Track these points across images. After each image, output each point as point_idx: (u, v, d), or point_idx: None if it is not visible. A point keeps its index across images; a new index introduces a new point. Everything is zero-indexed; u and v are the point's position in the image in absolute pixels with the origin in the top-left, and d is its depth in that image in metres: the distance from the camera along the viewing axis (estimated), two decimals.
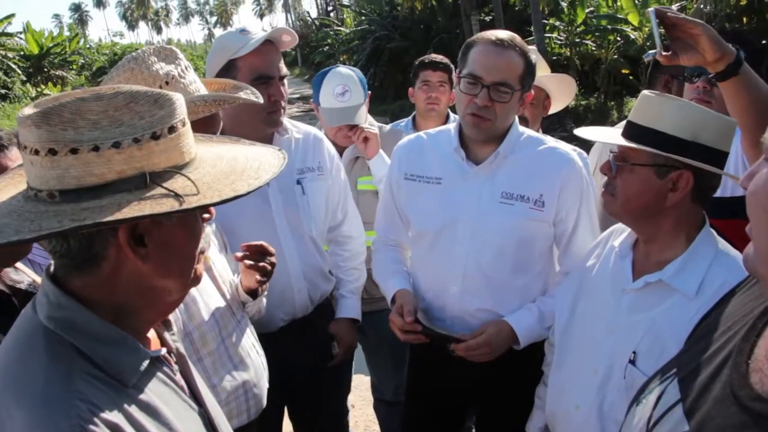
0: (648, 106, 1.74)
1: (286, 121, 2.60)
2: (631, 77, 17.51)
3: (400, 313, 2.21)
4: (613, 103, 17.68)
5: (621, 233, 1.98)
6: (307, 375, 2.60)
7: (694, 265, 1.70)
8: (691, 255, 1.72)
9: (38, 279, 1.79)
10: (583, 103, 17.12)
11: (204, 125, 1.82)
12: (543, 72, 3.07)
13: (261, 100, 2.03)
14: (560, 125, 14.00)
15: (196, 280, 1.20)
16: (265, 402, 2.08)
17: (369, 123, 3.42)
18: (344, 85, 3.07)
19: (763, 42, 13.33)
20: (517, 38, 2.19)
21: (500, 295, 2.26)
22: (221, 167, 1.14)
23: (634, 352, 1.72)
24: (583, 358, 1.91)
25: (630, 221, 1.85)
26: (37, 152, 1.00)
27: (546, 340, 2.26)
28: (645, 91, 1.79)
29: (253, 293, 2.13)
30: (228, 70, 2.38)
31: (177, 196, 1.02)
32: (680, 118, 1.67)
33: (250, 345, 2.07)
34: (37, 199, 1.03)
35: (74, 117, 0.99)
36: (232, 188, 1.07)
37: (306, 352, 2.54)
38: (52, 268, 1.13)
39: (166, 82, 1.78)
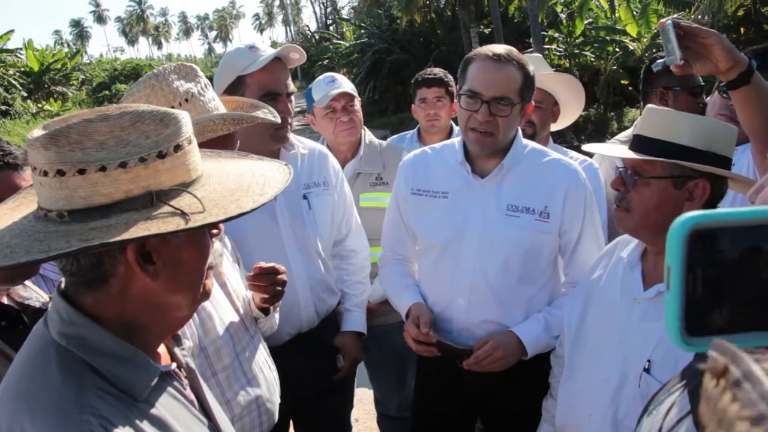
0: (659, 120, 1.76)
1: (292, 136, 2.62)
2: (630, 88, 17.58)
3: (416, 324, 2.23)
4: (612, 114, 17.74)
5: (627, 244, 1.99)
6: (312, 388, 2.60)
7: None
8: None
9: (46, 296, 1.80)
10: (582, 114, 17.14)
11: (222, 143, 1.82)
12: (544, 70, 3.06)
13: (278, 120, 2.05)
14: (560, 137, 14.01)
15: (206, 295, 1.21)
16: (276, 417, 2.08)
17: (368, 139, 3.45)
18: (332, 75, 3.28)
19: None
20: (514, 51, 2.21)
21: (507, 306, 2.27)
22: (227, 184, 1.15)
23: (648, 361, 1.72)
24: (594, 368, 1.91)
25: (647, 235, 1.84)
26: (46, 173, 1.01)
27: (552, 352, 2.26)
28: (652, 106, 1.81)
29: (266, 309, 2.13)
30: (236, 86, 2.40)
31: (183, 214, 1.03)
32: (695, 130, 1.70)
33: (263, 360, 2.07)
34: (47, 219, 1.04)
35: (81, 138, 1.00)
36: (238, 205, 1.08)
37: (312, 365, 2.54)
38: (63, 285, 1.13)
39: (186, 100, 1.79)
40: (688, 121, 1.72)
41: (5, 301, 1.67)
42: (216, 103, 1.90)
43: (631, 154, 1.78)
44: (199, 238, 1.15)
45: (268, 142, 2.43)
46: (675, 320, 0.57)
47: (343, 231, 2.80)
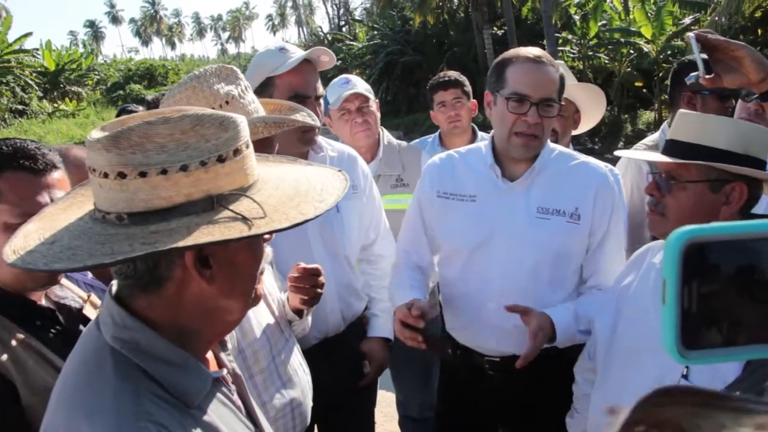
0: (694, 124, 1.76)
1: (321, 139, 2.63)
2: (644, 90, 17.51)
3: (408, 308, 2.13)
4: (626, 116, 17.68)
5: (659, 250, 1.97)
6: (338, 393, 2.58)
7: None
8: None
9: (84, 294, 1.81)
10: None
11: (261, 146, 1.82)
12: (569, 81, 3.08)
13: (318, 123, 2.05)
14: (575, 139, 13.97)
15: (257, 299, 1.21)
16: (309, 420, 2.08)
17: (387, 140, 3.47)
18: (346, 77, 3.31)
19: None
20: (547, 54, 2.23)
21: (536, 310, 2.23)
22: (285, 189, 1.14)
23: (687, 368, 1.71)
24: (628, 378, 1.89)
25: None
26: (106, 175, 1.01)
27: (577, 363, 2.25)
28: (684, 110, 1.80)
29: (300, 312, 2.14)
30: (265, 87, 2.42)
31: (245, 219, 1.03)
32: (731, 133, 1.70)
33: (298, 363, 2.08)
34: (106, 221, 1.04)
35: (142, 140, 1.00)
36: (299, 211, 1.08)
37: (337, 370, 2.53)
38: (114, 289, 1.14)
39: (227, 102, 1.80)
40: (723, 124, 1.72)
41: (43, 302, 1.68)
42: (256, 106, 1.91)
43: (668, 159, 1.78)
44: (256, 243, 1.16)
45: (296, 144, 2.43)
46: (671, 334, 0.57)
47: (371, 236, 2.81)
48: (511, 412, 2.42)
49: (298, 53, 2.44)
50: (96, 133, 1.04)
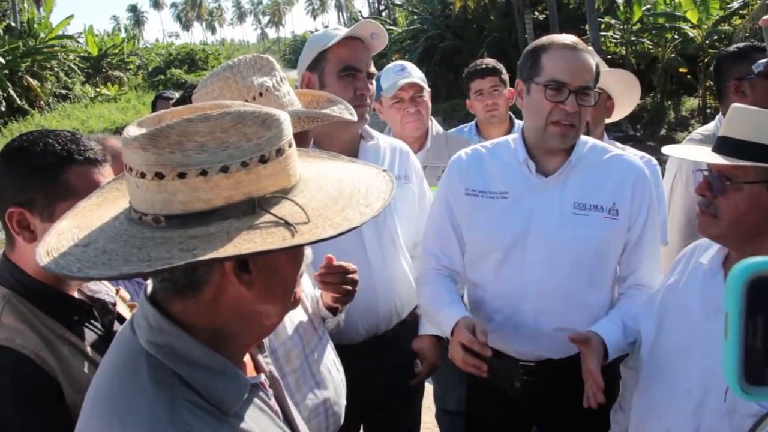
0: (748, 120, 1.67)
1: (370, 129, 2.59)
2: (689, 76, 17.10)
3: (471, 331, 1.99)
4: (669, 102, 17.30)
5: (707, 249, 1.90)
6: (387, 392, 2.53)
7: None
8: None
9: (113, 288, 1.80)
10: (638, 102, 16.78)
11: (296, 140, 1.80)
12: (601, 68, 2.99)
13: (355, 118, 1.99)
14: (616, 126, 13.73)
15: (296, 303, 1.17)
16: (342, 420, 2.04)
17: (435, 131, 3.42)
18: (402, 64, 3.30)
19: None
20: (581, 41, 2.17)
21: (578, 311, 2.16)
22: (328, 190, 1.09)
23: None
24: (674, 380, 1.83)
25: (736, 242, 1.74)
26: (143, 175, 0.98)
27: (622, 361, 2.18)
28: (737, 105, 1.71)
29: (334, 309, 2.09)
30: (318, 61, 2.43)
31: (287, 224, 0.98)
32: None
33: (331, 362, 2.03)
34: (142, 222, 1.01)
35: (181, 139, 0.96)
36: (344, 217, 1.02)
37: (388, 369, 2.47)
38: (149, 290, 1.11)
39: (260, 93, 1.75)
40: None
41: (76, 294, 1.66)
42: (291, 98, 1.86)
43: (720, 159, 1.69)
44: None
45: (347, 122, 2.37)
46: (734, 369, 0.55)
47: (422, 232, 2.71)
48: (547, 414, 2.34)
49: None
50: (133, 130, 1.00)
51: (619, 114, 3.16)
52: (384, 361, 2.46)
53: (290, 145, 1.07)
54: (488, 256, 2.25)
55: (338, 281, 2.02)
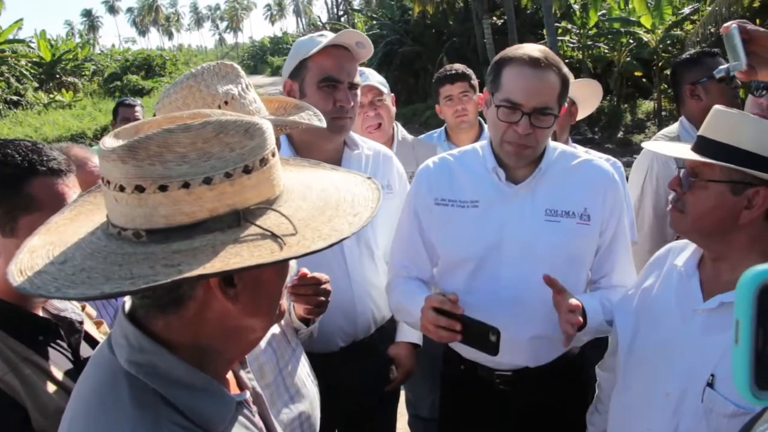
0: (723, 123, 1.69)
1: (356, 136, 2.55)
2: (644, 79, 17.46)
3: (441, 299, 1.96)
4: (626, 105, 17.64)
5: (682, 251, 1.92)
6: (364, 399, 2.51)
7: None
8: None
9: (79, 306, 1.73)
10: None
11: None
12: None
13: (324, 124, 1.95)
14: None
15: (281, 316, 1.15)
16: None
17: (401, 136, 3.40)
18: (360, 69, 3.23)
19: None
20: (550, 53, 2.07)
21: (553, 318, 2.10)
22: (313, 200, 1.06)
23: (712, 375, 1.66)
24: (651, 381, 1.84)
25: (700, 238, 1.79)
26: (122, 188, 0.93)
27: (598, 364, 2.19)
28: (718, 107, 1.73)
29: (306, 320, 2.06)
30: (299, 70, 2.36)
31: (274, 236, 0.95)
32: (760, 135, 1.63)
33: (305, 374, 2.00)
34: (122, 238, 0.96)
35: (162, 150, 0.92)
36: (332, 227, 1.00)
37: (365, 375, 2.45)
38: (128, 307, 1.06)
39: (226, 102, 1.70)
40: (753, 125, 1.65)
41: (40, 313, 1.59)
42: (258, 105, 1.81)
43: (692, 155, 1.72)
44: None
45: (326, 133, 2.29)
46: (744, 374, 0.56)
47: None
48: (522, 422, 2.31)
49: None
50: (110, 142, 0.96)
51: (582, 114, 3.23)
52: (361, 368, 2.44)
53: (274, 155, 1.03)
54: (461, 266, 2.22)
55: (311, 293, 1.99)
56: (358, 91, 2.44)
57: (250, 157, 0.98)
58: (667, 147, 1.90)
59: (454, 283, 2.24)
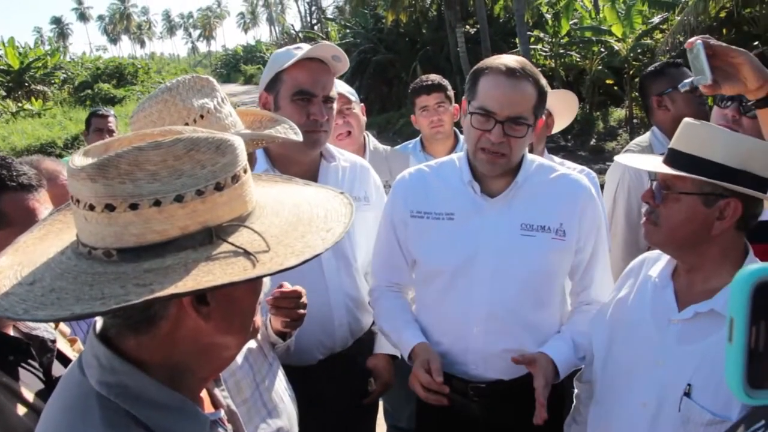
0: (694, 135, 1.71)
1: (333, 148, 2.54)
2: (615, 87, 17.66)
3: (426, 370, 2.04)
4: (598, 113, 17.81)
5: (655, 262, 1.94)
6: (342, 411, 2.49)
7: None
8: None
9: (53, 325, 1.69)
10: None
11: None
12: None
13: (299, 138, 1.93)
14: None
15: (255, 332, 1.13)
16: None
17: (373, 146, 3.39)
18: None
19: None
20: (528, 64, 2.09)
21: (526, 332, 2.16)
22: (285, 216, 1.06)
23: (689, 385, 1.67)
24: (628, 392, 1.85)
25: (673, 250, 1.81)
26: (92, 207, 0.92)
27: (575, 375, 2.19)
28: (688, 120, 1.76)
29: (283, 334, 2.04)
30: (274, 82, 2.35)
31: (247, 254, 0.94)
32: (730, 147, 1.65)
33: (283, 389, 1.96)
34: (92, 257, 0.94)
35: (132, 168, 0.90)
36: (305, 243, 0.99)
37: (343, 388, 2.44)
38: (99, 327, 1.04)
39: (201, 116, 1.68)
40: (723, 137, 1.67)
41: (11, 332, 1.55)
42: (233, 119, 1.80)
43: (663, 168, 1.74)
44: None
45: (301, 146, 2.28)
46: (737, 372, 0.57)
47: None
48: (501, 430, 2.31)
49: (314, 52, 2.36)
50: (79, 160, 0.94)
51: (558, 127, 3.25)
52: (339, 381, 2.42)
53: (246, 171, 1.03)
54: (436, 277, 2.22)
55: (292, 306, 1.97)
56: (334, 105, 2.42)
57: (222, 174, 0.97)
58: (639, 160, 1.92)
59: (429, 293, 2.27)
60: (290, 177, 1.30)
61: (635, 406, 1.81)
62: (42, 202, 1.51)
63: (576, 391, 2.21)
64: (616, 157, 1.99)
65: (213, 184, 0.95)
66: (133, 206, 0.91)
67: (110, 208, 0.91)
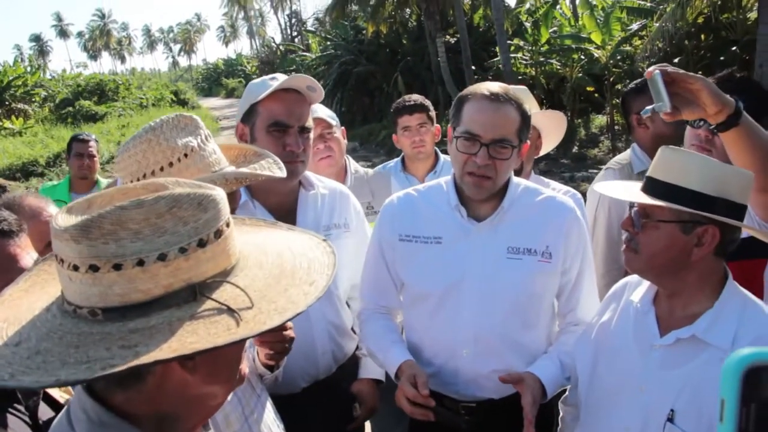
0: (671, 163, 1.74)
1: (312, 175, 2.54)
2: (596, 94, 17.78)
3: (413, 384, 2.05)
4: (579, 120, 17.92)
5: (637, 286, 1.96)
6: None
7: (725, 318, 1.70)
8: (720, 308, 1.72)
9: None
10: None
11: None
12: (533, 109, 3.05)
13: (284, 174, 1.94)
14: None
15: (241, 380, 1.14)
16: None
17: (354, 169, 3.40)
18: None
19: (722, 59, 13.69)
20: (510, 90, 2.14)
21: (514, 353, 2.19)
22: (269, 268, 1.06)
23: (672, 410, 1.69)
24: (612, 416, 1.87)
25: (654, 277, 1.84)
26: (76, 268, 0.92)
27: (560, 399, 2.22)
28: (665, 148, 1.79)
29: (270, 366, 2.04)
30: (250, 114, 2.34)
31: (230, 311, 0.94)
32: (706, 175, 1.68)
33: (272, 420, 1.96)
34: (77, 315, 0.95)
35: (115, 228, 0.91)
36: (288, 299, 0.99)
37: (327, 414, 2.44)
38: None
39: (185, 155, 1.68)
40: (699, 165, 1.71)
41: None
42: (217, 157, 1.80)
43: (641, 197, 1.77)
44: None
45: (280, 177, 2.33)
46: None
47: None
48: None
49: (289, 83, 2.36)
50: (63, 220, 0.94)
51: (545, 149, 3.26)
52: (323, 407, 2.42)
53: (228, 225, 1.03)
54: (424, 301, 2.26)
55: (276, 339, 1.96)
56: (311, 135, 2.43)
57: (205, 230, 0.98)
58: (618, 190, 1.95)
59: (418, 316, 2.30)
60: (274, 222, 1.30)
61: (619, 430, 1.83)
62: (24, 248, 1.49)
63: (562, 413, 2.23)
64: (595, 187, 2.01)
65: (196, 241, 0.96)
66: (117, 266, 0.91)
67: (94, 268, 0.91)
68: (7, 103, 31.34)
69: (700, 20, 14.70)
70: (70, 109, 32.25)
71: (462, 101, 2.14)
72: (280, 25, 67.55)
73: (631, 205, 1.84)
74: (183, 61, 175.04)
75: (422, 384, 2.04)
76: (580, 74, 17.31)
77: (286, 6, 63.41)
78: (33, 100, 33.82)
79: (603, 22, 16.62)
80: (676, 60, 14.59)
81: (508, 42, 17.89)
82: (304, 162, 2.39)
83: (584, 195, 3.08)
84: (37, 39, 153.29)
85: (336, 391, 2.51)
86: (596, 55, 16.72)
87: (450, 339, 2.21)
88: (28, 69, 36.42)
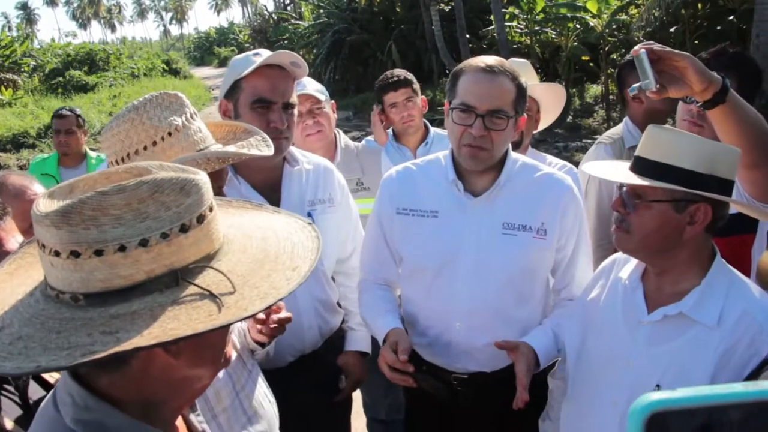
0: (660, 142, 1.74)
1: (296, 151, 2.54)
2: (591, 64, 17.69)
3: (394, 350, 2.08)
4: (574, 90, 17.83)
5: (625, 263, 1.97)
6: (315, 410, 2.50)
7: (712, 295, 1.71)
8: (707, 285, 1.73)
9: None
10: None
11: (211, 178, 1.72)
12: (531, 80, 3.01)
13: (271, 151, 1.93)
14: None
15: (227, 362, 1.13)
16: None
17: (344, 144, 3.38)
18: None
19: (718, 28, 13.59)
20: (506, 63, 2.14)
21: (507, 327, 2.20)
22: (252, 252, 1.05)
23: (657, 386, 1.71)
24: (599, 391, 1.89)
25: (645, 256, 1.84)
26: (57, 254, 0.91)
27: (550, 373, 2.24)
28: (652, 126, 1.78)
29: (261, 342, 2.04)
30: (233, 90, 2.33)
31: (213, 296, 0.94)
32: (696, 153, 1.68)
33: (263, 395, 1.97)
34: (60, 300, 0.94)
35: (96, 213, 0.90)
36: (270, 284, 0.99)
37: (314, 387, 2.46)
38: None
39: (169, 133, 1.66)
40: (689, 143, 1.70)
41: None
42: (203, 134, 1.77)
43: (632, 178, 1.76)
44: None
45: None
46: None
47: (348, 249, 2.73)
48: (482, 422, 2.36)
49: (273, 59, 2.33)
50: (44, 205, 0.93)
51: (544, 124, 3.22)
52: (310, 379, 2.45)
53: (211, 209, 1.02)
54: (420, 274, 2.29)
55: (267, 317, 1.96)
56: (295, 111, 2.42)
57: (187, 215, 0.96)
58: (607, 170, 1.94)
59: (414, 289, 2.34)
60: (260, 204, 1.29)
61: (606, 404, 1.85)
62: (8, 231, 1.47)
63: (550, 387, 2.25)
64: (583, 168, 1.99)
65: (178, 227, 0.95)
66: (98, 252, 0.90)
67: (75, 254, 0.90)
68: None
69: None
70: (60, 79, 31.90)
71: (457, 75, 2.15)
72: None
73: (621, 184, 1.83)
74: (174, 30, 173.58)
75: (402, 350, 2.06)
76: (576, 43, 17.20)
77: None
78: (22, 70, 33.41)
79: None
80: (672, 29, 14.48)
81: (503, 10, 17.72)
82: (288, 138, 2.39)
83: (578, 165, 3.06)
84: (24, 7, 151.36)
85: (322, 363, 2.54)
86: (592, 24, 16.59)
87: (444, 312, 2.25)
88: (16, 38, 35.95)
